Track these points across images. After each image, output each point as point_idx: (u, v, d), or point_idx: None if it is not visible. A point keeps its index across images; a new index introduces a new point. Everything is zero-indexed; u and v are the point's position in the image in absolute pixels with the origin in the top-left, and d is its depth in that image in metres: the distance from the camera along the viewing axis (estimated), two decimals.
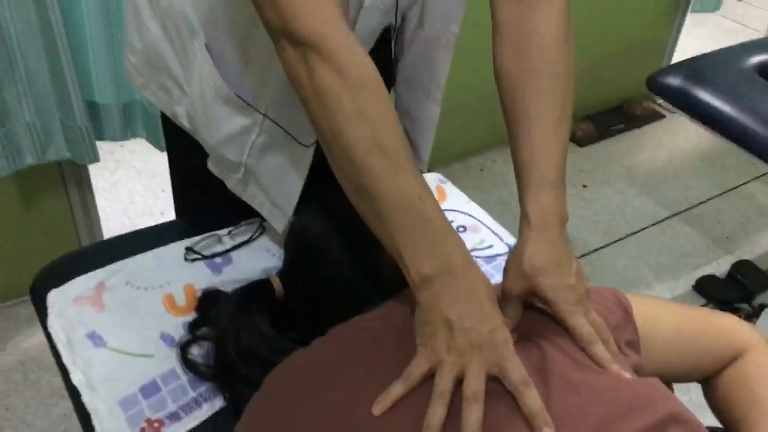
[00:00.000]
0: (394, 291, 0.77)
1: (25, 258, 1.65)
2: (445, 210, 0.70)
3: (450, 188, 1.20)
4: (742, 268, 1.94)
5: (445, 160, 2.23)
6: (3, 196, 1.56)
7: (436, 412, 0.61)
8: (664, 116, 2.70)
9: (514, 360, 0.63)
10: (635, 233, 2.13)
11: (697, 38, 3.01)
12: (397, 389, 0.64)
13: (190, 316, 0.92)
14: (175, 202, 1.13)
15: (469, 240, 1.08)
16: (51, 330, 0.91)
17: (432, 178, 1.21)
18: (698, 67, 1.69)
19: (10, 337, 1.66)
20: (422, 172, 1.03)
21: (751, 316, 1.80)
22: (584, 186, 2.32)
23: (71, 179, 1.62)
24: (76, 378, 0.85)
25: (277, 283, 0.87)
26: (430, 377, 0.64)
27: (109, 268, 0.98)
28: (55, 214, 1.64)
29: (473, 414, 0.61)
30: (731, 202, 2.29)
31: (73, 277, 0.96)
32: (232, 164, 0.91)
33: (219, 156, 0.92)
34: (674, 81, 1.64)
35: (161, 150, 1.63)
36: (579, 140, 2.54)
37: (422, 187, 0.67)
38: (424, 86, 0.95)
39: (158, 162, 2.23)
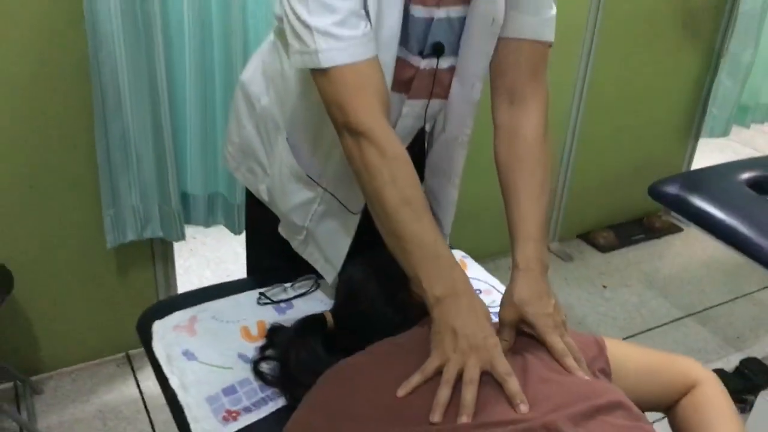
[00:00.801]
0: (417, 320, 1.03)
1: (113, 323, 1.96)
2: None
3: (470, 262, 1.47)
4: (750, 364, 2.10)
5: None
6: (101, 267, 1.88)
7: (443, 393, 0.86)
8: (682, 229, 2.94)
9: (501, 358, 0.88)
10: (650, 329, 2.32)
11: (710, 159, 3.28)
12: (416, 378, 0.89)
13: (261, 342, 1.18)
14: (248, 265, 1.43)
15: (484, 300, 1.33)
16: (155, 349, 1.19)
17: (457, 254, 1.49)
18: (693, 179, 1.96)
19: (94, 390, 1.92)
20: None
21: None
22: (604, 287, 2.54)
23: (159, 255, 1.95)
24: (174, 382, 1.12)
25: (329, 317, 1.14)
26: (440, 372, 0.89)
27: (200, 306, 1.27)
28: (142, 285, 1.95)
29: (469, 393, 0.85)
30: (744, 307, 2.47)
31: (172, 312, 1.25)
32: (297, 228, 1.22)
33: (288, 221, 1.22)
34: (672, 189, 1.91)
35: (235, 233, 1.96)
36: (601, 247, 2.79)
37: (436, 231, 0.95)
38: (445, 174, 1.25)
39: (225, 252, 2.58)
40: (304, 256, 1.26)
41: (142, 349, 1.26)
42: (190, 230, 2.32)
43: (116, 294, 1.93)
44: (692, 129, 2.95)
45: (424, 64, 1.06)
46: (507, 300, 1.00)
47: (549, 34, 1.07)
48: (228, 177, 1.87)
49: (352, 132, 0.94)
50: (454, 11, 1.03)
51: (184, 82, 1.74)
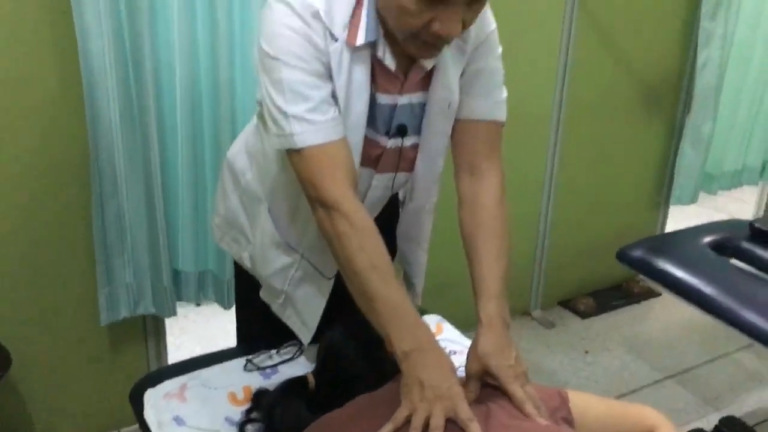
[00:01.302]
0: (392, 376, 1.12)
1: (106, 399, 2.01)
2: (442, 339, 1.07)
3: (447, 326, 1.56)
4: (728, 422, 2.14)
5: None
6: (95, 344, 1.95)
7: None
8: (660, 294, 3.03)
9: (464, 405, 0.97)
10: (632, 392, 2.37)
11: (685, 226, 3.42)
12: (387, 428, 0.97)
13: (247, 405, 1.25)
14: (237, 332, 1.51)
15: (457, 360, 1.40)
16: (146, 416, 1.26)
17: (434, 319, 1.58)
18: (658, 243, 2.07)
19: None
20: (418, 305, 1.41)
21: None
22: (586, 352, 2.61)
23: (151, 332, 2.02)
24: None
25: (311, 378, 1.22)
26: (409, 421, 0.97)
27: (189, 374, 1.35)
28: (134, 361, 2.01)
29: None
30: (721, 367, 2.53)
31: (163, 381, 1.33)
32: (277, 291, 1.31)
33: (269, 285, 1.32)
34: (637, 253, 2.02)
35: (225, 308, 2.04)
36: (582, 313, 2.87)
37: (402, 293, 1.04)
38: (415, 240, 1.36)
39: (215, 330, 2.64)
40: (283, 319, 1.36)
41: (135, 426, 1.32)
42: (181, 309, 2.40)
43: (110, 370, 1.98)
44: (661, 197, 3.10)
45: (391, 143, 1.18)
46: (472, 354, 1.09)
47: (501, 115, 1.22)
48: (218, 254, 1.97)
49: (323, 205, 1.06)
50: (415, 97, 1.16)
51: (176, 166, 1.86)
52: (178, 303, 1.99)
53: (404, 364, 1.00)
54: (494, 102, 1.21)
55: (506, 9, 2.27)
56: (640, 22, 2.68)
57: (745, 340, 2.65)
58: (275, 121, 1.06)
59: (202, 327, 2.66)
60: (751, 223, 2.16)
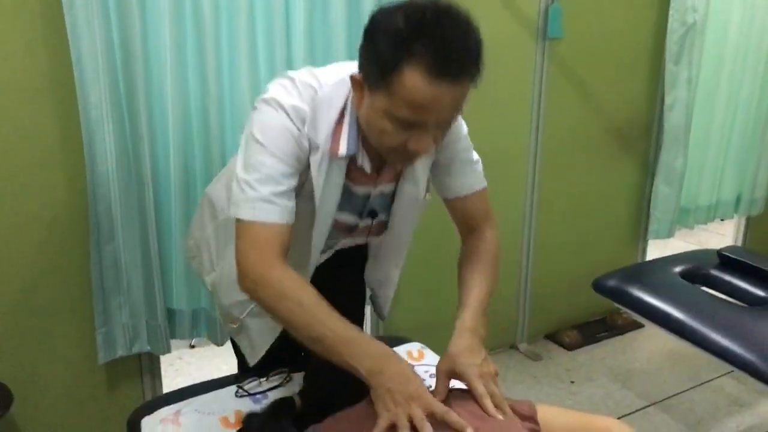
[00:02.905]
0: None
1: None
2: (422, 365, 1.16)
3: (428, 352, 1.65)
4: None
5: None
6: (93, 382, 2.02)
7: None
8: (643, 326, 3.12)
9: (435, 402, 1.07)
10: (617, 419, 2.43)
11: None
12: None
13: (238, 428, 1.33)
14: (238, 362, 1.62)
15: None
16: None
17: (416, 346, 1.67)
18: (631, 273, 2.18)
19: None
20: (383, 319, 1.53)
21: None
22: (572, 382, 2.68)
23: (146, 370, 2.09)
24: None
25: (297, 399, 1.31)
26: (391, 427, 1.06)
27: (184, 402, 1.43)
28: (130, 398, 2.08)
29: (426, 428, 1.03)
30: (703, 394, 2.60)
31: (159, 408, 1.41)
32: (234, 318, 1.42)
33: (226, 312, 1.43)
34: (612, 282, 2.13)
35: (218, 345, 2.12)
36: (567, 345, 2.95)
37: (346, 323, 1.12)
38: (392, 262, 1.48)
39: (209, 371, 2.71)
40: (235, 340, 1.48)
41: None
42: (175, 351, 2.47)
43: (107, 406, 2.05)
44: (640, 231, 3.22)
45: (363, 222, 1.35)
46: (444, 355, 1.20)
47: (482, 183, 1.40)
48: (210, 293, 2.06)
49: (251, 279, 1.15)
50: (387, 187, 1.32)
51: (169, 210, 1.97)
52: (173, 343, 2.07)
53: (371, 380, 1.09)
54: (474, 176, 1.37)
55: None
56: (608, 66, 2.85)
57: (725, 367, 2.74)
58: (243, 192, 1.15)
59: (196, 368, 2.73)
60: (719, 252, 2.27)
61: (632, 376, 2.74)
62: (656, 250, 3.34)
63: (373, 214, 1.34)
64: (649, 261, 2.27)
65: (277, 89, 1.19)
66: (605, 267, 3.03)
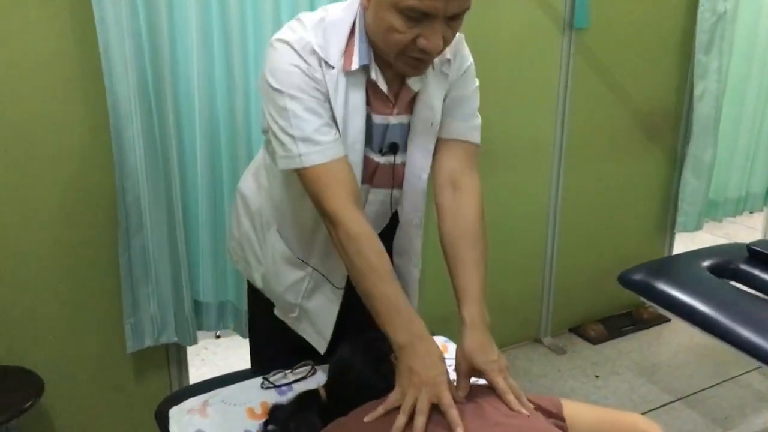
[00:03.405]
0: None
1: (132, 421, 2.10)
2: (447, 358, 1.16)
3: (451, 346, 1.65)
4: None
5: None
6: (121, 371, 2.06)
7: (400, 420, 1.05)
8: (669, 320, 3.08)
9: (446, 392, 1.06)
10: (642, 414, 2.41)
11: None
12: (379, 410, 1.09)
13: (264, 419, 1.34)
14: (251, 356, 1.61)
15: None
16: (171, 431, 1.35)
17: (441, 339, 1.67)
18: (657, 266, 2.15)
19: None
20: None
21: None
22: (596, 376, 2.67)
23: (173, 360, 2.12)
24: None
25: (323, 392, 1.31)
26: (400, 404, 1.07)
27: (211, 392, 1.44)
28: (158, 388, 2.11)
29: (419, 421, 1.04)
30: (730, 389, 2.57)
31: (187, 399, 1.42)
32: (291, 306, 1.42)
33: (282, 301, 1.43)
34: (638, 276, 2.10)
35: (244, 337, 2.14)
36: (592, 339, 2.93)
37: (398, 291, 1.14)
38: (407, 254, 1.45)
39: (234, 361, 2.74)
40: (299, 332, 1.46)
41: None
42: (202, 341, 2.50)
43: (134, 396, 2.09)
44: (667, 224, 3.18)
45: (383, 160, 1.32)
46: (459, 353, 1.19)
47: (477, 138, 1.36)
48: (237, 285, 2.08)
49: (327, 217, 1.19)
50: (405, 118, 1.30)
51: (197, 202, 1.99)
52: (198, 333, 2.10)
53: (399, 354, 1.11)
54: (471, 125, 1.35)
55: (506, 44, 2.41)
56: (636, 57, 2.81)
57: (753, 362, 2.70)
58: (282, 145, 1.19)
59: (222, 358, 2.76)
60: (748, 246, 2.24)
61: (658, 371, 2.71)
62: (683, 243, 3.30)
63: (393, 147, 1.30)
64: (676, 255, 2.24)
65: (283, 31, 1.21)
66: (631, 260, 3.01)
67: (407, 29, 1.10)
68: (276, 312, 1.47)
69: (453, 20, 1.13)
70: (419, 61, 1.16)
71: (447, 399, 1.05)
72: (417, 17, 1.08)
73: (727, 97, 3.01)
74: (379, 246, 1.18)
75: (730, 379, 2.64)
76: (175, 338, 2.03)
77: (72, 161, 1.83)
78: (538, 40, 2.53)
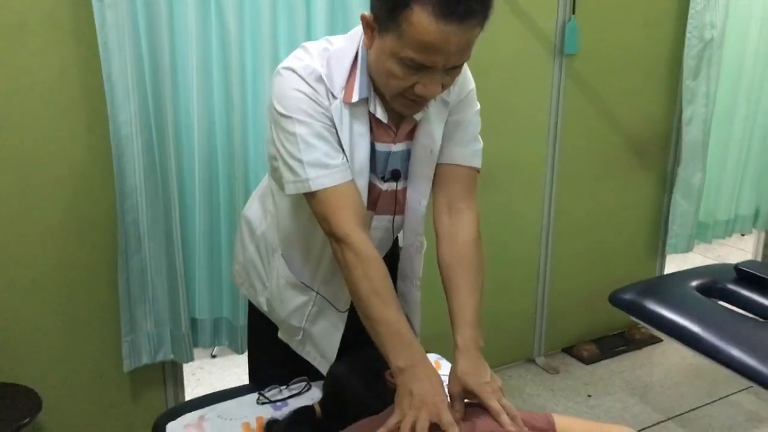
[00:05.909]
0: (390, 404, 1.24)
1: None
2: (441, 374, 1.19)
3: (444, 362, 1.68)
4: None
5: None
6: (117, 389, 2.08)
7: None
8: (661, 340, 3.11)
9: (446, 412, 1.09)
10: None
11: None
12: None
13: None
14: (249, 373, 1.64)
15: None
16: None
17: (434, 357, 1.70)
18: (647, 286, 2.19)
19: None
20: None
21: None
22: (589, 396, 2.69)
23: (170, 377, 2.14)
24: None
25: (317, 408, 1.34)
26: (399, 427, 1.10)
27: (207, 408, 1.47)
28: (154, 404, 2.13)
29: None
30: (720, 409, 2.60)
31: (183, 414, 1.45)
32: (295, 329, 1.45)
33: (287, 325, 1.46)
34: (628, 296, 2.14)
35: (238, 353, 2.16)
36: (585, 359, 2.96)
37: (399, 315, 1.17)
38: (409, 278, 1.49)
39: (230, 380, 2.76)
40: (303, 355, 1.48)
41: None
42: (197, 361, 2.52)
43: (131, 414, 2.10)
44: (658, 245, 3.22)
45: (386, 186, 1.35)
46: (452, 376, 1.22)
47: (477, 163, 1.38)
48: (231, 302, 2.11)
49: (335, 239, 1.22)
50: (406, 145, 1.34)
51: (194, 222, 2.03)
52: (195, 353, 2.12)
53: (399, 378, 1.14)
54: (472, 150, 1.38)
55: (499, 70, 2.47)
56: (625, 82, 2.87)
57: (744, 382, 2.73)
58: (291, 170, 1.22)
59: (218, 378, 2.78)
60: (736, 266, 2.28)
61: (650, 391, 2.74)
62: (675, 264, 3.34)
63: (395, 175, 1.33)
64: (666, 275, 2.29)
65: (289, 59, 1.25)
66: (623, 281, 3.04)
67: (406, 76, 1.13)
68: (280, 335, 1.50)
69: (452, 69, 1.15)
70: (415, 104, 1.20)
71: (447, 418, 1.08)
72: (416, 67, 1.11)
73: (715, 121, 3.06)
74: (385, 270, 1.21)
75: (721, 398, 2.67)
76: (172, 355, 2.05)
77: (73, 182, 1.87)
78: (530, 65, 2.59)
